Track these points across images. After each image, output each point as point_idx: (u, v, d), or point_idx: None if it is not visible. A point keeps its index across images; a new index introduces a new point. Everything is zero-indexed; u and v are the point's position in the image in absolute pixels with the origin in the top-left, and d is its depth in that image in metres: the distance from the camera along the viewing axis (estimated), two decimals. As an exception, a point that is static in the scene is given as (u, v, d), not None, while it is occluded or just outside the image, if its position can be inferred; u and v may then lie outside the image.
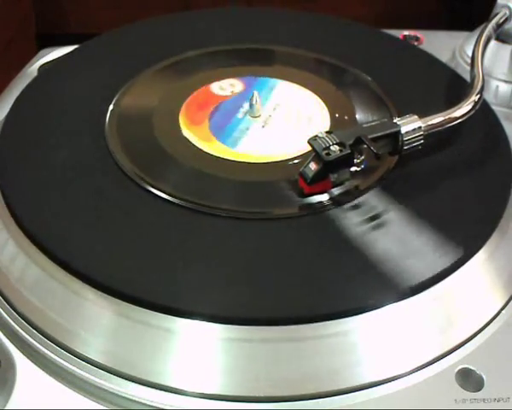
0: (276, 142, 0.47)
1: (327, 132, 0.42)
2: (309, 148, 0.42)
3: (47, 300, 0.38)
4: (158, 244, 0.39)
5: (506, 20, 0.54)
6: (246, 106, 0.49)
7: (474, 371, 0.36)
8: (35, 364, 0.36)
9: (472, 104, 0.46)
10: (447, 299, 0.38)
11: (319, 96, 0.51)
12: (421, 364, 0.36)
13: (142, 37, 0.58)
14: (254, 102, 0.49)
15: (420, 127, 0.43)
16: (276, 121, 0.49)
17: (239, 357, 0.35)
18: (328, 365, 0.35)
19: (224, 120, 0.49)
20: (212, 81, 0.52)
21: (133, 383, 0.35)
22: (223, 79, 0.52)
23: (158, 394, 0.35)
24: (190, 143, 0.46)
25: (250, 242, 0.40)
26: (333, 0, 1.01)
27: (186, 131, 0.47)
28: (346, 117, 0.49)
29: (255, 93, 0.49)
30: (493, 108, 0.51)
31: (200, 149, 0.46)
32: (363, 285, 0.37)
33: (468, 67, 0.50)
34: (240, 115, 0.49)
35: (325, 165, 0.41)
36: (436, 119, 0.44)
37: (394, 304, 0.37)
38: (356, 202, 0.42)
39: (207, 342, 0.35)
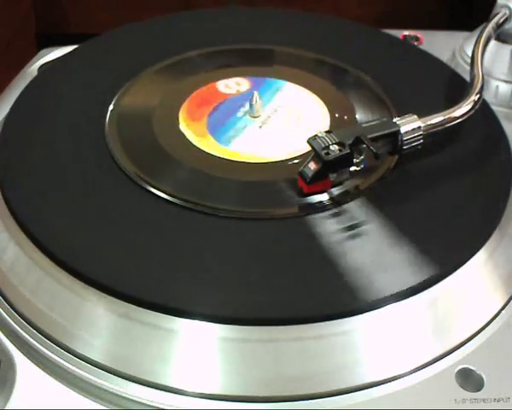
0: (270, 143, 0.47)
1: (326, 132, 0.42)
2: (301, 149, 0.42)
3: (47, 300, 0.38)
4: (158, 244, 0.39)
5: (506, 20, 0.54)
6: (247, 105, 0.49)
7: (474, 371, 0.36)
8: (35, 364, 0.36)
9: (472, 104, 0.46)
10: (447, 299, 0.38)
11: (319, 96, 0.51)
12: (421, 364, 0.36)
13: (142, 37, 0.58)
14: (254, 103, 0.49)
15: (419, 127, 0.43)
16: (275, 122, 0.48)
17: (239, 357, 0.35)
18: (329, 365, 0.35)
19: (222, 117, 0.49)
20: (212, 81, 0.52)
21: (133, 383, 0.35)
22: (223, 78, 0.52)
23: (158, 394, 0.35)
24: (188, 140, 0.46)
25: (250, 241, 0.40)
26: (333, 0, 1.01)
27: (184, 127, 0.47)
28: (345, 117, 0.49)
29: (255, 93, 0.49)
30: (493, 108, 0.51)
31: (201, 150, 0.46)
32: (363, 285, 0.37)
33: (468, 67, 0.50)
34: (239, 114, 0.49)
35: (324, 164, 0.41)
36: (436, 119, 0.44)
37: (394, 304, 0.37)
38: (355, 201, 0.42)
39: (207, 342, 0.35)
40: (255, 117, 0.49)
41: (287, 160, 0.45)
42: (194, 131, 0.47)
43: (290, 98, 0.51)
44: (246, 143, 0.46)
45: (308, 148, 0.43)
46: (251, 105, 0.49)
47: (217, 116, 0.49)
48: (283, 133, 0.48)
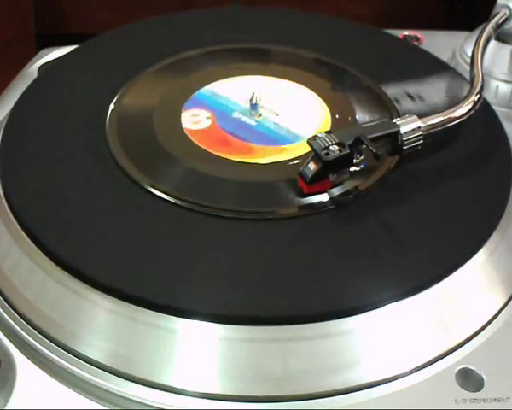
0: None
1: (326, 132, 0.42)
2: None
3: (47, 300, 0.38)
4: (158, 244, 0.39)
5: (506, 20, 0.54)
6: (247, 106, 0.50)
7: (474, 371, 0.36)
8: (35, 364, 0.36)
9: (471, 104, 0.46)
10: (447, 299, 0.38)
11: (319, 96, 0.51)
12: (421, 364, 0.36)
13: (142, 37, 0.58)
14: (254, 102, 0.49)
15: (419, 127, 0.43)
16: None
17: (239, 357, 0.35)
18: (329, 364, 0.35)
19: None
20: (212, 81, 0.52)
21: (133, 383, 0.35)
22: (222, 78, 0.52)
23: (158, 394, 0.35)
24: (189, 140, 0.46)
25: (250, 241, 0.40)
26: (333, 0, 1.01)
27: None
28: (345, 117, 0.49)
29: (255, 93, 0.49)
30: (493, 108, 0.51)
31: (202, 149, 0.46)
32: (363, 285, 0.37)
33: (468, 67, 0.50)
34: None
35: (324, 165, 0.41)
36: (435, 119, 0.44)
37: (394, 304, 0.37)
38: (355, 201, 0.42)
39: (207, 342, 0.35)
40: (254, 117, 0.49)
41: (287, 160, 0.45)
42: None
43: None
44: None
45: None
46: (251, 105, 0.49)
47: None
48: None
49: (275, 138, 0.47)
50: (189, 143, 0.46)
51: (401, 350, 0.36)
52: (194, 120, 0.48)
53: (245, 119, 0.49)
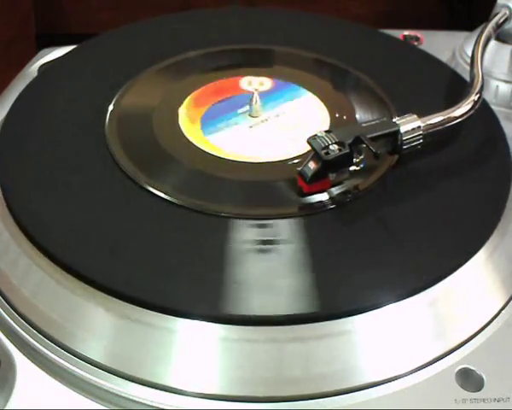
0: (253, 144, 0.47)
1: (326, 132, 0.42)
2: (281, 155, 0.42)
3: (47, 300, 0.38)
4: (158, 244, 0.39)
5: (506, 20, 0.54)
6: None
7: (474, 371, 0.36)
8: (35, 364, 0.36)
9: (471, 104, 0.46)
10: (447, 299, 0.38)
11: (318, 96, 0.51)
12: (421, 364, 0.36)
13: (142, 37, 0.58)
14: (254, 103, 0.49)
15: (419, 127, 0.43)
16: (269, 126, 0.48)
17: (239, 357, 0.35)
18: (329, 365, 0.35)
19: (223, 109, 0.49)
20: (213, 81, 0.52)
21: (133, 383, 0.35)
22: (222, 78, 0.52)
23: (158, 394, 0.35)
24: (188, 140, 0.46)
25: (250, 241, 0.40)
26: (333, 0, 1.01)
27: (183, 111, 0.48)
28: (345, 117, 0.49)
29: (255, 93, 0.49)
30: (493, 108, 0.51)
31: (201, 149, 0.46)
32: (363, 285, 0.37)
33: (468, 67, 0.50)
34: (240, 111, 0.49)
35: (324, 164, 0.41)
36: (435, 118, 0.44)
37: (394, 304, 0.37)
38: (355, 201, 0.42)
39: (207, 342, 0.35)
40: (253, 117, 0.49)
41: (286, 160, 0.45)
42: (188, 115, 0.48)
43: (300, 107, 0.50)
44: (227, 139, 0.47)
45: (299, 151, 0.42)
46: (250, 105, 0.49)
47: (219, 107, 0.49)
48: (270, 138, 0.47)
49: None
50: (189, 143, 0.46)
51: (401, 350, 0.36)
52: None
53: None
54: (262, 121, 0.49)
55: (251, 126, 0.48)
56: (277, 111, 0.50)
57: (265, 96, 0.50)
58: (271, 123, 0.49)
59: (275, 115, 0.49)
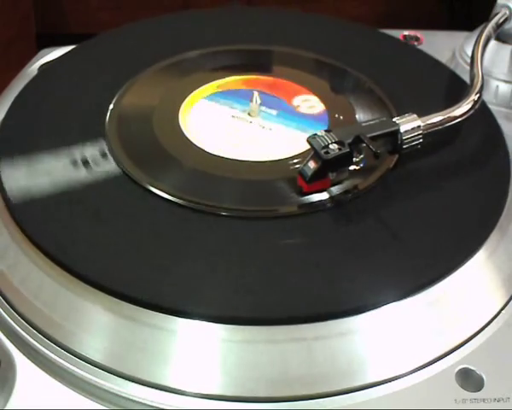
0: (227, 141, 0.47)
1: (326, 131, 0.42)
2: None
3: (47, 300, 0.38)
4: (158, 244, 0.39)
5: (506, 20, 0.54)
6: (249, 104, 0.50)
7: (474, 371, 0.36)
8: (35, 364, 0.36)
9: (471, 104, 0.46)
10: (447, 299, 0.38)
11: (318, 96, 0.51)
12: (421, 364, 0.36)
13: (142, 37, 0.58)
14: (253, 102, 0.49)
15: (419, 126, 0.43)
16: (253, 131, 0.48)
17: (239, 357, 0.35)
18: (329, 365, 0.35)
19: (225, 98, 0.50)
20: (212, 80, 0.52)
21: (133, 383, 0.35)
22: (222, 78, 0.52)
23: (158, 394, 0.35)
24: (188, 140, 0.46)
25: (249, 241, 0.40)
26: (333, 0, 1.01)
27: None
28: (345, 117, 0.49)
29: (255, 93, 0.49)
30: (493, 108, 0.51)
31: (201, 149, 0.46)
32: (362, 285, 0.37)
33: (468, 67, 0.50)
34: (239, 106, 0.49)
35: (324, 163, 0.41)
36: (435, 118, 0.44)
37: (394, 304, 0.37)
38: (355, 201, 0.42)
39: (207, 343, 0.35)
40: (252, 116, 0.49)
41: (287, 159, 0.45)
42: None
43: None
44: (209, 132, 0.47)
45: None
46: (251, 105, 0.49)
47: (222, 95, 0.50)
48: (247, 140, 0.47)
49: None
50: (189, 143, 0.46)
51: (401, 350, 0.36)
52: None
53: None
54: (253, 123, 0.49)
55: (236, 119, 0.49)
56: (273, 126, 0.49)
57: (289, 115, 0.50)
58: (257, 130, 0.48)
59: (269, 129, 0.48)
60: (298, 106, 0.50)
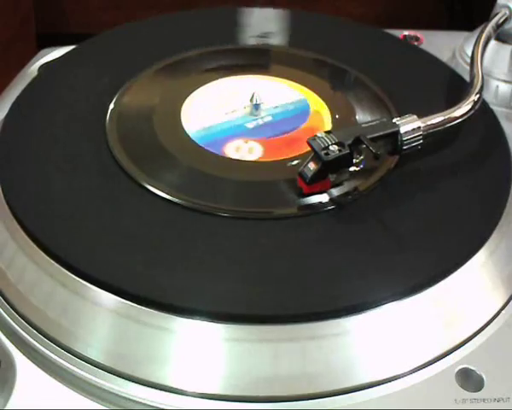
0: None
1: (326, 132, 0.42)
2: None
3: (47, 300, 0.38)
4: (158, 243, 0.39)
5: (506, 20, 0.54)
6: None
7: (474, 371, 0.36)
8: (35, 364, 0.36)
9: (471, 104, 0.46)
10: (447, 299, 0.38)
11: (319, 96, 0.51)
12: (421, 364, 0.36)
13: (142, 37, 0.58)
14: (253, 102, 0.49)
15: (419, 127, 0.43)
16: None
17: (239, 357, 0.35)
18: (328, 365, 0.35)
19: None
20: (212, 80, 0.52)
21: (133, 383, 0.35)
22: (222, 78, 0.52)
23: (158, 394, 0.35)
24: (188, 140, 0.46)
25: (249, 241, 0.40)
26: (333, 0, 1.01)
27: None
28: (346, 117, 0.49)
29: (255, 93, 0.49)
30: (493, 108, 0.51)
31: (201, 149, 0.46)
32: (362, 284, 0.37)
33: (468, 67, 0.50)
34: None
35: (324, 165, 0.41)
36: (435, 119, 0.44)
37: (394, 303, 0.37)
38: (355, 202, 0.42)
39: (208, 342, 0.35)
40: (251, 116, 0.49)
41: (287, 159, 0.45)
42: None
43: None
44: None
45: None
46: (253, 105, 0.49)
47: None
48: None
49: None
50: (190, 143, 0.46)
51: (401, 350, 0.36)
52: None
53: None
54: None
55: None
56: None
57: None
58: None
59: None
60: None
